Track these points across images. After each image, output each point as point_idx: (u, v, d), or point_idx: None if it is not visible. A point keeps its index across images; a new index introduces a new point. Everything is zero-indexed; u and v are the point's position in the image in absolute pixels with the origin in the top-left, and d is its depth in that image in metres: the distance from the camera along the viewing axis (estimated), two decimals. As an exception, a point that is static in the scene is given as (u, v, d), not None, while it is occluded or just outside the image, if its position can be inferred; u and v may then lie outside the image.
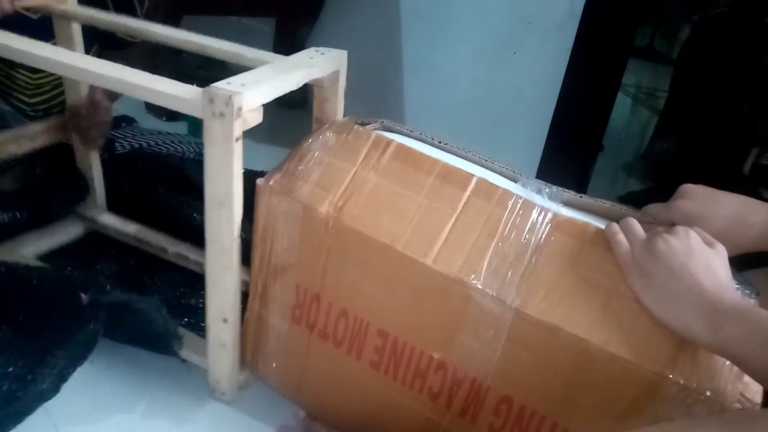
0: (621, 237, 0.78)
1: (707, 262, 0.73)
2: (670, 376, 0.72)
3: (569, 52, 1.79)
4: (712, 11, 2.08)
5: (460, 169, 0.89)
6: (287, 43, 2.48)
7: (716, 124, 1.96)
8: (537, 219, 0.83)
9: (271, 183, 0.92)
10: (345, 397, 1.00)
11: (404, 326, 0.88)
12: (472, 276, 0.80)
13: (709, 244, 0.76)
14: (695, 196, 0.85)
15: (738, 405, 0.70)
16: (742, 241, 0.81)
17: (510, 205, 0.85)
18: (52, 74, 1.55)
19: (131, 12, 1.61)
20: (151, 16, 1.96)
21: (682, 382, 0.71)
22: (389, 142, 0.92)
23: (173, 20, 2.24)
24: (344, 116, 1.04)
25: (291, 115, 2.52)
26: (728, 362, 0.72)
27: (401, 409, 0.93)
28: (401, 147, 0.92)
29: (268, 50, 1.03)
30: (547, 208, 0.84)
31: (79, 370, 1.07)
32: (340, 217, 0.87)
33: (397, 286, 0.86)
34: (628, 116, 2.71)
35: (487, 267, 0.81)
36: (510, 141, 1.96)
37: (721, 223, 0.81)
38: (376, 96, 2.31)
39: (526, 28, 1.88)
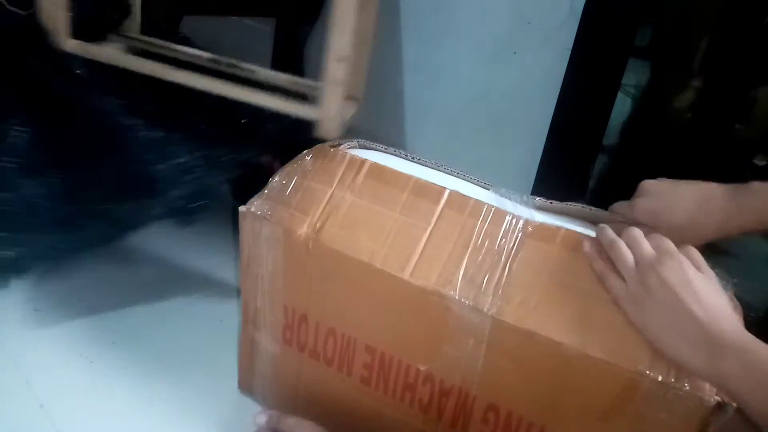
0: (613, 280, 0.77)
1: (702, 292, 0.71)
2: (648, 373, 0.72)
3: (569, 52, 1.79)
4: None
5: (433, 183, 0.90)
6: (287, 43, 2.51)
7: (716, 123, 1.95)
8: (509, 226, 0.85)
9: (252, 209, 0.95)
10: (340, 415, 1.01)
11: (390, 341, 0.90)
12: (449, 287, 0.82)
13: (699, 269, 0.74)
14: (654, 193, 0.84)
15: (717, 398, 0.70)
16: (706, 231, 0.80)
17: (482, 215, 0.86)
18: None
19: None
20: (151, 16, 1.99)
21: (660, 378, 0.72)
22: (363, 161, 0.94)
23: (173, 20, 2.27)
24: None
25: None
26: None
27: (395, 424, 0.94)
28: (375, 166, 0.94)
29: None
30: (518, 215, 0.86)
31: (79, 370, 1.15)
32: (319, 238, 0.89)
33: (379, 302, 0.88)
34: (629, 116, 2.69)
35: (462, 277, 0.82)
36: (510, 141, 1.96)
37: (683, 216, 0.80)
38: (376, 96, 2.32)
39: (526, 28, 1.88)
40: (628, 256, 0.76)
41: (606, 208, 0.91)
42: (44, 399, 1.08)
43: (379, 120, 2.27)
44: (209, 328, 1.31)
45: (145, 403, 1.11)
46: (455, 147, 2.08)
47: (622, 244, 0.77)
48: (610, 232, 0.79)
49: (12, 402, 1.07)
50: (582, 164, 1.86)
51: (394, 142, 2.00)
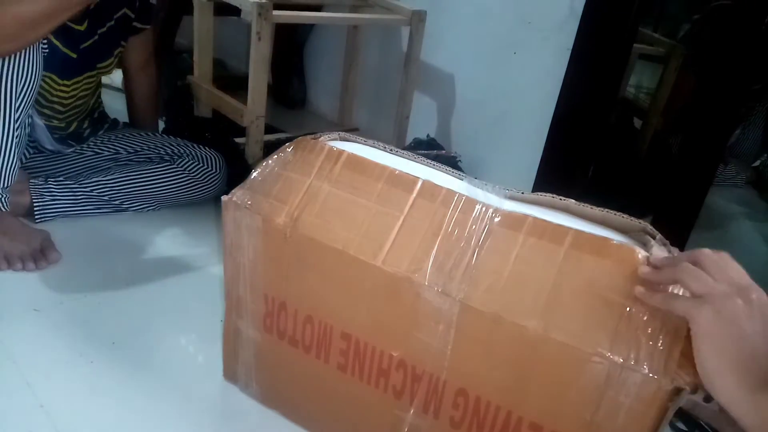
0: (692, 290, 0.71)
1: None
2: (609, 356, 0.73)
3: (569, 52, 1.79)
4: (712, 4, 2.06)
5: (407, 174, 0.92)
6: (288, 43, 2.57)
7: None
8: (479, 214, 0.86)
9: (234, 198, 0.97)
10: (320, 401, 1.03)
11: (364, 327, 0.92)
12: (419, 273, 0.84)
13: None
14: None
15: (675, 383, 0.71)
16: None
17: (453, 204, 0.88)
18: (88, 86, 1.68)
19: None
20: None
21: (621, 361, 0.73)
22: (341, 152, 0.96)
23: (173, 20, 2.31)
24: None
25: (291, 114, 2.59)
26: (663, 342, 0.73)
27: (370, 409, 0.96)
28: (352, 157, 0.95)
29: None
30: (488, 203, 0.87)
31: (79, 370, 1.16)
32: (296, 227, 0.92)
33: (354, 289, 0.90)
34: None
35: (432, 264, 0.84)
36: (510, 141, 1.97)
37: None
38: (378, 96, 2.38)
39: (526, 28, 1.89)
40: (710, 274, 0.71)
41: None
42: (44, 399, 1.08)
43: (379, 119, 2.29)
44: (209, 327, 1.31)
45: (145, 403, 1.11)
46: (455, 147, 2.09)
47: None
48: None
49: (12, 402, 1.07)
50: (582, 163, 1.85)
51: (395, 142, 2.03)
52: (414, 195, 0.90)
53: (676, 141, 2.00)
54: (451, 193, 0.89)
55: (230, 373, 1.15)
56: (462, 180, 0.95)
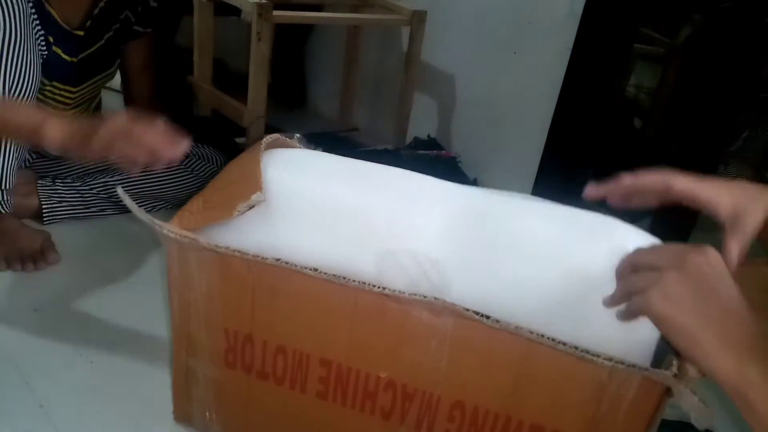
0: (645, 273, 0.70)
1: (737, 288, 0.66)
2: (615, 357, 0.74)
3: (569, 52, 1.79)
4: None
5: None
6: (288, 43, 2.53)
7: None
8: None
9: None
10: (296, 432, 0.98)
11: (346, 352, 0.87)
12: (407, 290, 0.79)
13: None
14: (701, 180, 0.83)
15: (675, 370, 0.72)
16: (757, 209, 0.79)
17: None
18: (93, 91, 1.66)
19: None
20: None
21: (622, 363, 0.74)
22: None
23: (174, 20, 2.31)
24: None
25: (291, 114, 2.59)
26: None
27: (355, 433, 0.92)
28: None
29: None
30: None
31: (79, 370, 1.16)
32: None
33: (334, 314, 0.85)
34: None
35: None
36: (510, 141, 1.96)
37: (739, 192, 0.81)
38: (378, 96, 2.34)
39: (526, 28, 1.88)
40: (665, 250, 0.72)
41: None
42: (44, 399, 1.08)
43: (379, 119, 2.28)
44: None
45: (146, 403, 1.09)
46: (456, 147, 2.09)
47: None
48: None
49: (12, 402, 1.07)
50: (582, 164, 1.85)
51: (395, 142, 2.02)
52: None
53: (677, 141, 2.00)
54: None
55: (183, 416, 1.06)
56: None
